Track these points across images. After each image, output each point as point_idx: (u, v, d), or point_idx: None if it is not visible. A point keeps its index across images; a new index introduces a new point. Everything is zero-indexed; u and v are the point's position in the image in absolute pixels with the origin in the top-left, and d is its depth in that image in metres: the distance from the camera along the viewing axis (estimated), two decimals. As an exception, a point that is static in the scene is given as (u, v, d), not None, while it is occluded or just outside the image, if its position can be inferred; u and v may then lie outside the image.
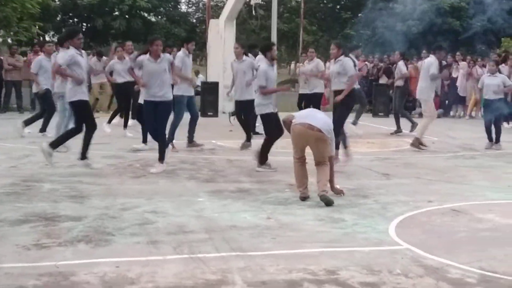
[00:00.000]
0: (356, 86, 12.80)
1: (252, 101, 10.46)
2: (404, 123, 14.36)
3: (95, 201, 7.47)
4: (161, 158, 9.51)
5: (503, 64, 17.34)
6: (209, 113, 18.75)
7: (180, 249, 5.56)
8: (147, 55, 9.47)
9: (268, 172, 9.47)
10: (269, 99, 9.89)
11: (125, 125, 13.32)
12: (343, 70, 10.00)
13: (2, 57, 20.47)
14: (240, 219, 6.68)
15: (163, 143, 9.60)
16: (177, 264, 5.19)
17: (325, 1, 41.54)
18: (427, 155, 11.71)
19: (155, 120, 9.51)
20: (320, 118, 7.68)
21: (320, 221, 6.69)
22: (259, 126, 11.80)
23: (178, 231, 6.17)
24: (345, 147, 10.09)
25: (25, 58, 20.41)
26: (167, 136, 10.04)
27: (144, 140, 11.39)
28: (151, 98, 9.47)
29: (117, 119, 13.92)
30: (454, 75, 20.19)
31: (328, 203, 7.28)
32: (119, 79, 13.34)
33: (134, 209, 7.05)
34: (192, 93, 11.71)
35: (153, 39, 9.69)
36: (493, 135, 12.42)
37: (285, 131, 8.44)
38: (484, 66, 18.89)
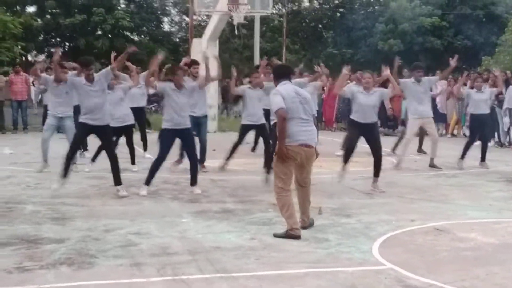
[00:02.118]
0: None
1: None
2: (389, 142, 14.44)
3: (78, 222, 7.43)
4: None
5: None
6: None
7: (164, 271, 5.55)
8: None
9: (251, 192, 9.48)
10: None
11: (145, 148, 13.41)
12: (380, 99, 10.05)
13: (-17, 77, 20.40)
14: (224, 240, 6.68)
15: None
16: (161, 287, 5.18)
17: (307, 20, 41.85)
18: (409, 174, 11.78)
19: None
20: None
21: (304, 241, 6.70)
22: None
23: (161, 253, 6.15)
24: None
25: (6, 78, 20.34)
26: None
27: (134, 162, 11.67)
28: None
29: None
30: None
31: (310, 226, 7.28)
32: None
33: (117, 231, 7.03)
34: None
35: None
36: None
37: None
38: (465, 84, 19.06)
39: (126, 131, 11.57)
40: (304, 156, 6.93)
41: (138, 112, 12.64)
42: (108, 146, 9.50)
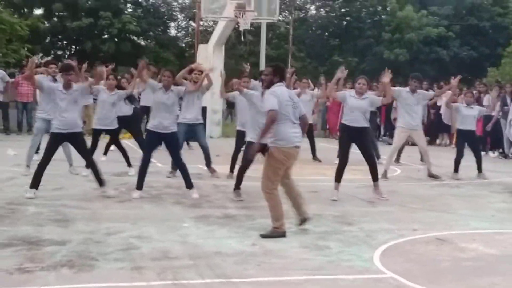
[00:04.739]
0: None
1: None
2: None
3: (80, 225, 7.44)
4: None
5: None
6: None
7: (164, 275, 5.54)
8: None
9: (253, 198, 9.47)
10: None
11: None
12: (371, 106, 10.04)
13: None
14: (225, 246, 6.67)
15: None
16: (161, 291, 5.17)
17: (313, 28, 41.88)
18: (412, 183, 11.77)
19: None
20: None
21: (305, 248, 6.69)
22: None
23: (162, 257, 6.15)
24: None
25: (12, 79, 20.38)
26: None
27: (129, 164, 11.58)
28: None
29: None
30: (438, 103, 20.27)
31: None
32: None
33: (118, 234, 7.03)
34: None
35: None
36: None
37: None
38: (465, 94, 19.01)
39: (111, 134, 11.77)
40: (295, 156, 7.29)
41: (127, 120, 12.66)
42: (84, 152, 9.49)
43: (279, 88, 7.21)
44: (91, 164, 9.46)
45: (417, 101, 11.96)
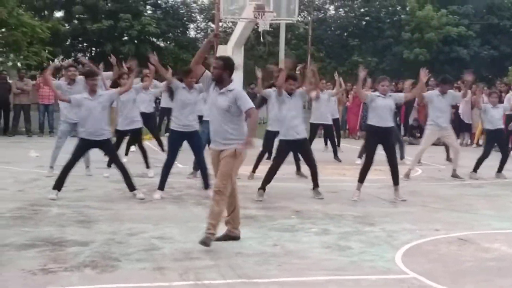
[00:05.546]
0: None
1: None
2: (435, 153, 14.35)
3: (102, 226, 7.49)
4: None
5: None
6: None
7: (186, 276, 5.57)
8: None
9: (274, 199, 9.47)
10: None
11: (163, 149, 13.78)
12: (396, 102, 10.00)
13: (11, 81, 20.64)
14: (246, 246, 6.68)
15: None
16: (183, 291, 5.20)
17: (332, 28, 41.76)
18: (433, 183, 11.70)
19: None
20: None
21: (327, 248, 6.69)
22: None
23: (184, 258, 6.17)
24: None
25: (34, 82, 20.55)
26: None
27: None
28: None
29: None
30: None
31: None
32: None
33: (140, 235, 7.07)
34: None
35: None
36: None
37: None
38: (490, 94, 18.87)
39: (134, 134, 11.76)
40: None
41: (146, 117, 12.94)
42: (114, 158, 9.57)
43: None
44: (121, 169, 9.39)
45: (447, 103, 12.19)
